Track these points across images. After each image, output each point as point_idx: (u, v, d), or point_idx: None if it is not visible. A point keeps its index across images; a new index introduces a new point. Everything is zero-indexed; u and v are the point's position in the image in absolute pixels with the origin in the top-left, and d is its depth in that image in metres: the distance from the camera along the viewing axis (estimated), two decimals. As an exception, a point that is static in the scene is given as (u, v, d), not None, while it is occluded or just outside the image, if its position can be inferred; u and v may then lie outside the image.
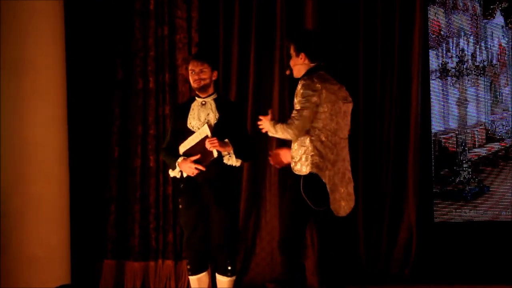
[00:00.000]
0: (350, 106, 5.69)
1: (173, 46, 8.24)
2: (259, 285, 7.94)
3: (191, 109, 6.13)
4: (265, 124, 5.60)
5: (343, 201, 5.54)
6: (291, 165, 5.57)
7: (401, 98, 8.48)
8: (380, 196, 8.47)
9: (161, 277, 8.11)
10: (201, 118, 6.06)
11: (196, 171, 5.95)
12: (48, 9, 7.69)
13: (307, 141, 5.50)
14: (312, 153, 5.48)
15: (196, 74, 6.06)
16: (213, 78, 6.14)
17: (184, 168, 6.00)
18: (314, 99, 5.46)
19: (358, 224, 8.42)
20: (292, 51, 5.68)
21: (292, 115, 5.49)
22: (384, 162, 8.48)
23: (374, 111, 8.51)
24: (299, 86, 5.53)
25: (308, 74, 5.57)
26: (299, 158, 5.52)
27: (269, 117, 5.60)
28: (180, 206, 6.14)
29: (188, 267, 6.12)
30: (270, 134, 5.62)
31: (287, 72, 5.78)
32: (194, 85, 6.11)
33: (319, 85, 5.49)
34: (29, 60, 7.61)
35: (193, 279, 6.13)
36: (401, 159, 8.46)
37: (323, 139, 5.50)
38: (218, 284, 6.12)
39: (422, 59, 8.45)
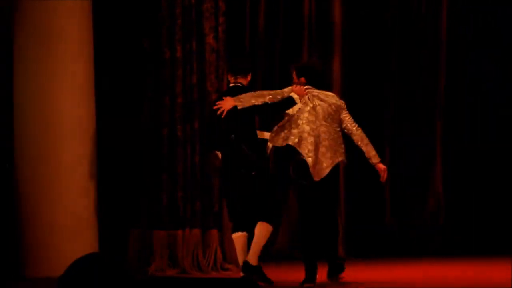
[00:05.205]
0: (332, 106, 6.63)
1: (200, 15, 8.21)
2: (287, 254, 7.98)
3: None
4: (227, 103, 6.45)
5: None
6: None
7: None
8: None
9: (189, 246, 8.10)
10: None
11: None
12: (76, -22, 7.70)
13: None
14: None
15: None
16: None
17: (297, 91, 6.60)
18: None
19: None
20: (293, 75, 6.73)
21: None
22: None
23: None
24: None
25: None
26: None
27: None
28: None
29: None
30: (239, 107, 6.40)
31: None
32: None
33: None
34: (57, 29, 7.63)
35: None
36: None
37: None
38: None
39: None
